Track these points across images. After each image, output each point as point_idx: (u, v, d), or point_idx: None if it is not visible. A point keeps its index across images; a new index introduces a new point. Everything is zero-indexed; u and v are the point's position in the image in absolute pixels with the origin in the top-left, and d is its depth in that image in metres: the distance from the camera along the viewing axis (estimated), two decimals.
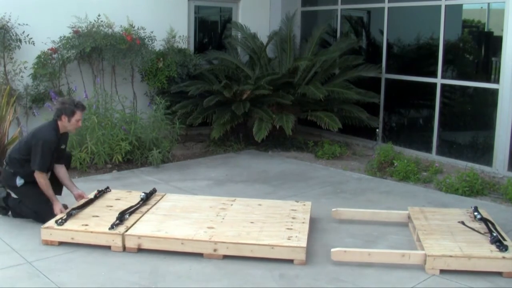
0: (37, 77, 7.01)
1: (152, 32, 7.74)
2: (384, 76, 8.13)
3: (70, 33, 7.22)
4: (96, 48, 7.14)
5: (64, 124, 4.65)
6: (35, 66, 6.99)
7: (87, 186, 5.83)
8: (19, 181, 4.63)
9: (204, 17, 9.57)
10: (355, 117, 7.79)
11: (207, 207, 4.78)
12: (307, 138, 8.12)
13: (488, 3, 7.04)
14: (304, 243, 4.03)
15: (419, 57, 7.99)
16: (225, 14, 9.55)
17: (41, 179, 4.55)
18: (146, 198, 4.86)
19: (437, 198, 5.73)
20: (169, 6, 8.44)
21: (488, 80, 7.01)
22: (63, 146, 4.83)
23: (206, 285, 3.67)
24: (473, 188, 5.84)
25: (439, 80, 7.35)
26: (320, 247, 4.32)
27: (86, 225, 4.27)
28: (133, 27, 7.50)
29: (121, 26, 7.48)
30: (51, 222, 4.29)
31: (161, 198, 4.99)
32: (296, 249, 3.99)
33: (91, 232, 4.17)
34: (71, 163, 6.28)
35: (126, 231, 4.17)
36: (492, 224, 4.39)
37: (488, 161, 6.82)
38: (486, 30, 7.23)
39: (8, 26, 6.76)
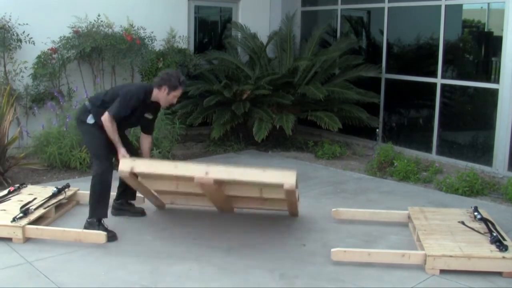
0: (37, 77, 7.01)
1: (152, 32, 7.74)
2: (384, 76, 8.13)
3: (70, 33, 7.22)
4: (96, 48, 7.14)
5: (161, 95, 4.54)
6: (35, 66, 6.99)
7: (87, 186, 5.82)
8: (90, 120, 4.54)
9: (204, 17, 9.57)
10: (355, 117, 7.79)
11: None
12: (307, 138, 8.11)
13: (488, 3, 7.05)
14: None
15: (419, 57, 7.99)
16: (225, 14, 9.55)
17: (108, 123, 4.41)
18: (58, 193, 4.95)
19: (437, 198, 5.73)
20: (169, 6, 8.44)
21: (488, 80, 7.01)
22: (149, 116, 4.72)
23: (206, 285, 3.67)
24: (473, 188, 5.84)
25: (439, 80, 7.35)
26: (320, 247, 4.32)
27: None
28: (133, 27, 7.50)
29: (121, 26, 7.48)
30: None
31: (73, 193, 5.15)
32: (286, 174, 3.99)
33: None
34: (71, 163, 6.30)
35: (28, 223, 4.29)
36: (492, 224, 4.39)
37: (488, 161, 6.82)
38: (486, 30, 7.23)
39: (8, 26, 6.76)
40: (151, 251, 4.18)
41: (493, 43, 7.01)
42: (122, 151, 4.50)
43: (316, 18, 9.49)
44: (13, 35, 6.81)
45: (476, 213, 4.60)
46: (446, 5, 7.20)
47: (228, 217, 4.98)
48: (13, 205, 4.66)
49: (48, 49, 7.10)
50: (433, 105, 7.45)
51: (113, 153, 4.61)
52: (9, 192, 4.98)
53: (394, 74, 8.07)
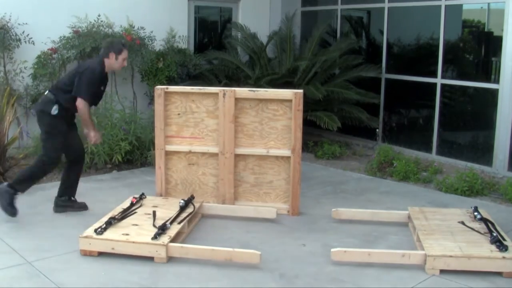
0: (37, 77, 7.00)
1: (152, 32, 7.74)
2: (384, 76, 8.13)
3: (70, 33, 7.22)
4: (96, 48, 7.13)
5: (111, 62, 4.78)
6: (35, 66, 6.99)
7: (87, 186, 5.84)
8: (55, 110, 4.66)
9: (204, 17, 9.57)
10: (355, 117, 7.78)
11: None
12: (307, 138, 8.09)
13: (488, 3, 7.05)
14: None
15: (419, 57, 7.98)
16: (225, 14, 9.55)
17: (82, 105, 4.61)
18: (185, 205, 4.73)
19: (437, 198, 5.73)
20: (169, 6, 8.44)
21: (488, 80, 7.01)
22: (102, 88, 4.92)
23: (206, 285, 3.67)
24: (473, 188, 5.83)
25: (439, 80, 7.35)
26: (320, 247, 4.32)
27: (127, 234, 4.13)
28: (133, 27, 7.50)
29: (121, 26, 7.48)
30: (89, 231, 4.14)
31: (199, 205, 4.94)
32: None
33: (133, 242, 4.02)
34: None
35: (170, 241, 4.05)
36: (492, 224, 4.39)
37: (488, 161, 6.82)
38: (486, 30, 7.23)
39: (8, 26, 6.76)
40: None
41: (493, 43, 7.01)
42: (92, 134, 4.80)
43: (316, 18, 9.49)
44: (13, 35, 6.81)
45: (476, 213, 4.61)
46: (446, 5, 7.21)
47: (228, 217, 4.98)
48: (143, 219, 4.43)
49: (48, 49, 7.09)
50: (433, 105, 7.45)
51: (65, 150, 4.88)
52: (132, 204, 4.76)
53: (394, 74, 8.07)
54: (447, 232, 4.29)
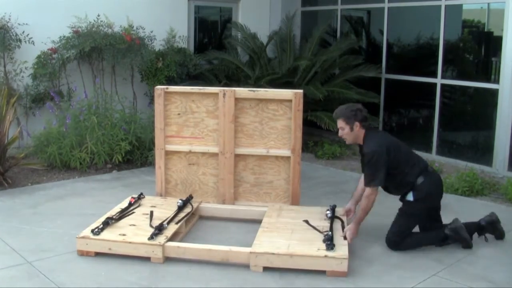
0: (37, 77, 7.00)
1: (151, 32, 7.74)
2: (384, 76, 8.13)
3: (70, 33, 7.21)
4: (96, 48, 7.13)
5: None
6: (35, 66, 6.99)
7: (87, 186, 5.85)
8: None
9: (204, 17, 9.57)
10: None
11: None
12: (307, 138, 8.10)
13: (488, 3, 7.05)
14: None
15: (419, 57, 7.99)
16: (225, 14, 9.55)
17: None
18: (183, 205, 4.72)
19: None
20: (169, 6, 8.44)
21: (488, 80, 7.01)
22: None
23: (206, 285, 3.67)
24: (473, 188, 5.83)
25: (439, 80, 7.35)
26: None
27: (124, 234, 4.12)
28: (133, 27, 7.50)
29: (120, 26, 7.48)
30: (86, 232, 4.13)
31: (198, 205, 4.95)
32: None
33: (130, 242, 4.01)
34: (71, 163, 6.30)
35: (166, 241, 4.04)
36: (342, 222, 4.39)
37: (488, 161, 6.82)
38: (486, 30, 7.24)
39: (8, 26, 6.76)
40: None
41: (493, 43, 7.01)
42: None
43: (316, 18, 9.49)
44: (13, 35, 6.80)
45: (328, 212, 4.57)
46: (446, 5, 7.21)
47: (228, 217, 4.98)
48: (141, 219, 4.40)
49: (48, 49, 7.09)
50: (433, 105, 7.45)
51: None
52: (130, 204, 4.74)
53: (394, 74, 8.07)
54: (288, 230, 4.24)
